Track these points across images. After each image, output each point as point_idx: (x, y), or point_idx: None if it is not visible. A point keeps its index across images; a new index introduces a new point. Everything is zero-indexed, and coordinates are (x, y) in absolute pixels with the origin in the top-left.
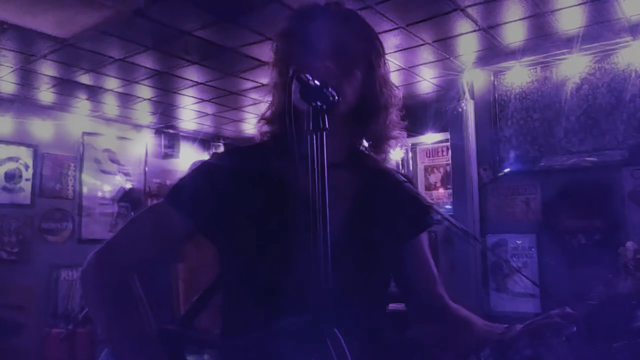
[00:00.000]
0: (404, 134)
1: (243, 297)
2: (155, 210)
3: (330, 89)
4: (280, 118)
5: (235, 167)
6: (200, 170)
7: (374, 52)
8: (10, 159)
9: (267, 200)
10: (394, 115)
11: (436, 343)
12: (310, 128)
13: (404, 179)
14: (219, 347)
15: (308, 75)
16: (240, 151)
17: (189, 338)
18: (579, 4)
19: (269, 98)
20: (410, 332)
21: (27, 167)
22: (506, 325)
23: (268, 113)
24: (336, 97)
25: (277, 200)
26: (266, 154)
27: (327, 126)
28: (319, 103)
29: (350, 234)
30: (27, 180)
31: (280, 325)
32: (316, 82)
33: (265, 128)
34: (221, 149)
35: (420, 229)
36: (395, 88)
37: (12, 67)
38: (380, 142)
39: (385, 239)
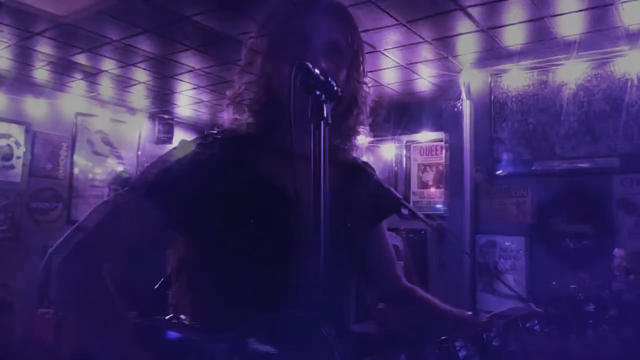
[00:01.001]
0: (368, 129)
1: (226, 294)
2: (129, 203)
3: (330, 80)
4: (265, 108)
5: (221, 160)
6: (181, 164)
7: (359, 52)
8: (1, 135)
9: (254, 196)
10: (366, 112)
11: (407, 328)
12: (310, 117)
13: (372, 172)
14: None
15: (309, 65)
16: (224, 143)
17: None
18: (579, 10)
19: (244, 85)
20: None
21: (18, 144)
22: (469, 313)
23: (249, 101)
24: (337, 88)
25: (264, 196)
26: (252, 146)
27: (326, 116)
28: (318, 93)
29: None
30: (18, 158)
31: (270, 320)
32: (317, 71)
33: (249, 118)
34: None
35: (382, 217)
36: (368, 87)
37: (7, 43)
38: (350, 137)
39: (351, 227)
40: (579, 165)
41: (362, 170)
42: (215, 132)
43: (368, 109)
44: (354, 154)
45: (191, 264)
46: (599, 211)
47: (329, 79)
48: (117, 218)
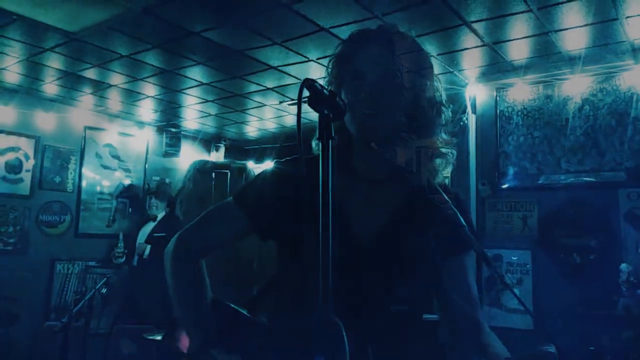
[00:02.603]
0: (452, 151)
1: (290, 298)
2: (225, 206)
3: (340, 98)
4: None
5: (296, 178)
6: (264, 177)
7: (425, 73)
8: (11, 149)
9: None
10: (443, 133)
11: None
12: (317, 136)
13: (447, 198)
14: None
15: (318, 84)
16: (299, 163)
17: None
18: (583, 25)
19: None
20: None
21: (27, 157)
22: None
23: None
24: (344, 107)
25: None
26: (287, 165)
27: (334, 134)
28: (326, 111)
29: (385, 247)
30: (27, 171)
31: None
32: (325, 91)
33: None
34: (222, 150)
35: (453, 251)
36: (444, 106)
37: (18, 58)
38: (429, 159)
39: (420, 254)
40: (585, 179)
41: (438, 194)
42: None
43: (444, 131)
44: (431, 176)
45: (281, 277)
46: (605, 225)
47: (337, 97)
48: (215, 217)
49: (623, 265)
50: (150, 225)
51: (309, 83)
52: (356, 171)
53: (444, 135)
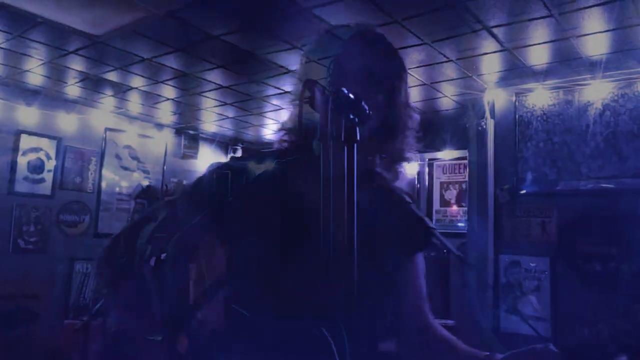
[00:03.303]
0: (417, 154)
1: (253, 302)
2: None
3: (364, 103)
4: (304, 130)
5: (257, 175)
6: (220, 175)
7: (398, 78)
8: (33, 149)
9: (286, 212)
10: (411, 137)
11: None
12: (343, 140)
13: (409, 200)
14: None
15: (344, 89)
16: (262, 158)
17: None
18: (604, 31)
19: (292, 108)
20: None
21: (48, 157)
22: (487, 353)
23: (289, 124)
24: (369, 112)
25: (294, 212)
26: (287, 164)
27: (359, 139)
28: (352, 116)
29: (357, 249)
30: (49, 171)
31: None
32: (351, 95)
33: (286, 137)
34: (239, 153)
35: (416, 250)
36: (414, 111)
37: (42, 60)
38: (394, 162)
39: (387, 255)
40: (606, 185)
41: (398, 197)
42: (250, 149)
43: (412, 135)
44: (393, 180)
45: (230, 279)
46: (626, 233)
47: (362, 102)
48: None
49: None
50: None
51: (335, 89)
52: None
53: (410, 140)
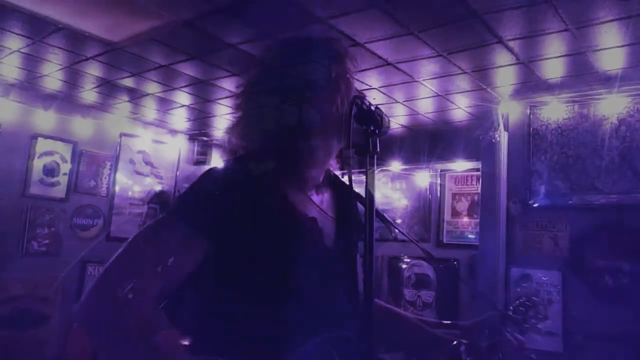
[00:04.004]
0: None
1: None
2: (166, 228)
3: (384, 114)
4: (288, 135)
5: (250, 183)
6: (216, 185)
7: (340, 82)
8: (48, 152)
9: (281, 221)
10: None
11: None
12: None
13: (351, 189)
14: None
15: (366, 100)
16: (250, 166)
17: None
18: (621, 46)
19: (238, 112)
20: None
21: (64, 160)
22: (435, 320)
23: (269, 128)
24: (388, 122)
25: (289, 221)
26: (276, 171)
27: (378, 150)
28: (372, 127)
29: (339, 245)
30: (63, 174)
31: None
32: (372, 107)
33: (268, 144)
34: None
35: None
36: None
37: (60, 66)
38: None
39: (354, 245)
40: (620, 200)
41: (348, 189)
42: (239, 157)
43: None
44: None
45: (207, 278)
46: (639, 248)
47: (383, 115)
48: (158, 245)
49: None
50: None
51: (357, 99)
52: (305, 177)
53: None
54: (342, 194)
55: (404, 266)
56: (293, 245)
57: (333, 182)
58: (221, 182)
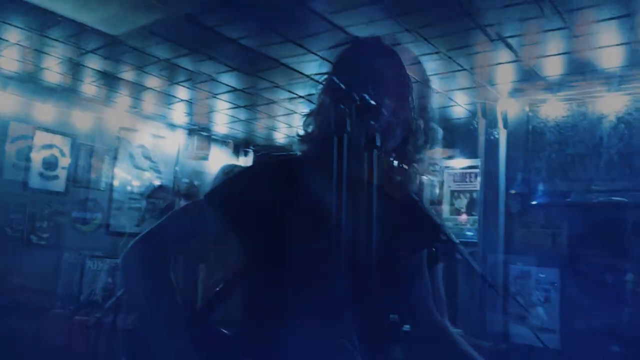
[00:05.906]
0: (430, 159)
1: (267, 304)
2: (196, 207)
3: (384, 109)
4: (325, 140)
5: (276, 179)
6: (241, 177)
7: (409, 87)
8: (48, 146)
9: (302, 217)
10: (421, 142)
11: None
12: (363, 146)
13: (417, 198)
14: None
15: (366, 96)
16: (281, 163)
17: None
18: (619, 44)
19: (309, 117)
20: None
21: (63, 154)
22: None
23: (311, 132)
24: (390, 119)
25: (311, 217)
26: (305, 169)
27: (379, 145)
28: (372, 122)
29: (377, 250)
30: (63, 168)
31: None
32: (372, 102)
33: (306, 146)
34: (250, 155)
35: (425, 245)
36: (425, 117)
37: (60, 58)
38: (406, 165)
39: (399, 253)
40: (618, 198)
41: (407, 198)
42: (271, 152)
43: (423, 139)
44: (405, 183)
45: (244, 279)
46: (637, 246)
47: (382, 109)
48: (181, 218)
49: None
50: None
51: (356, 95)
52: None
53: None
54: (393, 201)
55: None
56: (316, 249)
57: (388, 185)
58: (255, 183)
